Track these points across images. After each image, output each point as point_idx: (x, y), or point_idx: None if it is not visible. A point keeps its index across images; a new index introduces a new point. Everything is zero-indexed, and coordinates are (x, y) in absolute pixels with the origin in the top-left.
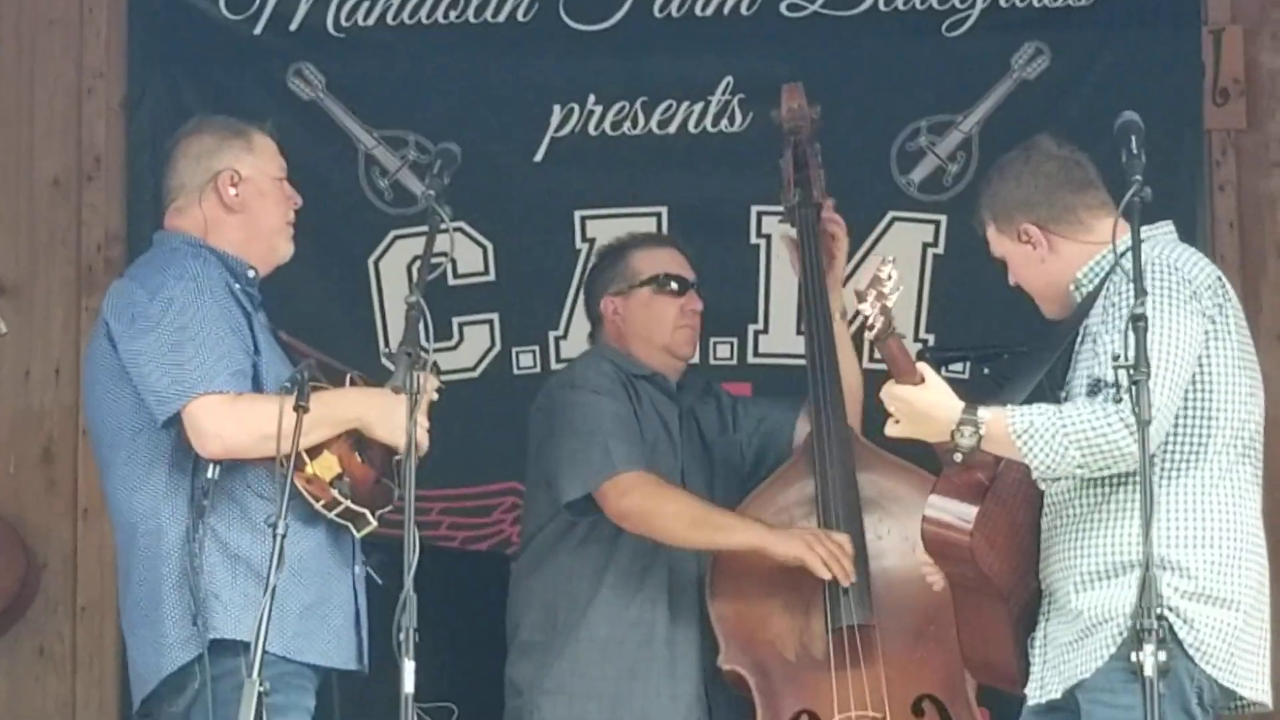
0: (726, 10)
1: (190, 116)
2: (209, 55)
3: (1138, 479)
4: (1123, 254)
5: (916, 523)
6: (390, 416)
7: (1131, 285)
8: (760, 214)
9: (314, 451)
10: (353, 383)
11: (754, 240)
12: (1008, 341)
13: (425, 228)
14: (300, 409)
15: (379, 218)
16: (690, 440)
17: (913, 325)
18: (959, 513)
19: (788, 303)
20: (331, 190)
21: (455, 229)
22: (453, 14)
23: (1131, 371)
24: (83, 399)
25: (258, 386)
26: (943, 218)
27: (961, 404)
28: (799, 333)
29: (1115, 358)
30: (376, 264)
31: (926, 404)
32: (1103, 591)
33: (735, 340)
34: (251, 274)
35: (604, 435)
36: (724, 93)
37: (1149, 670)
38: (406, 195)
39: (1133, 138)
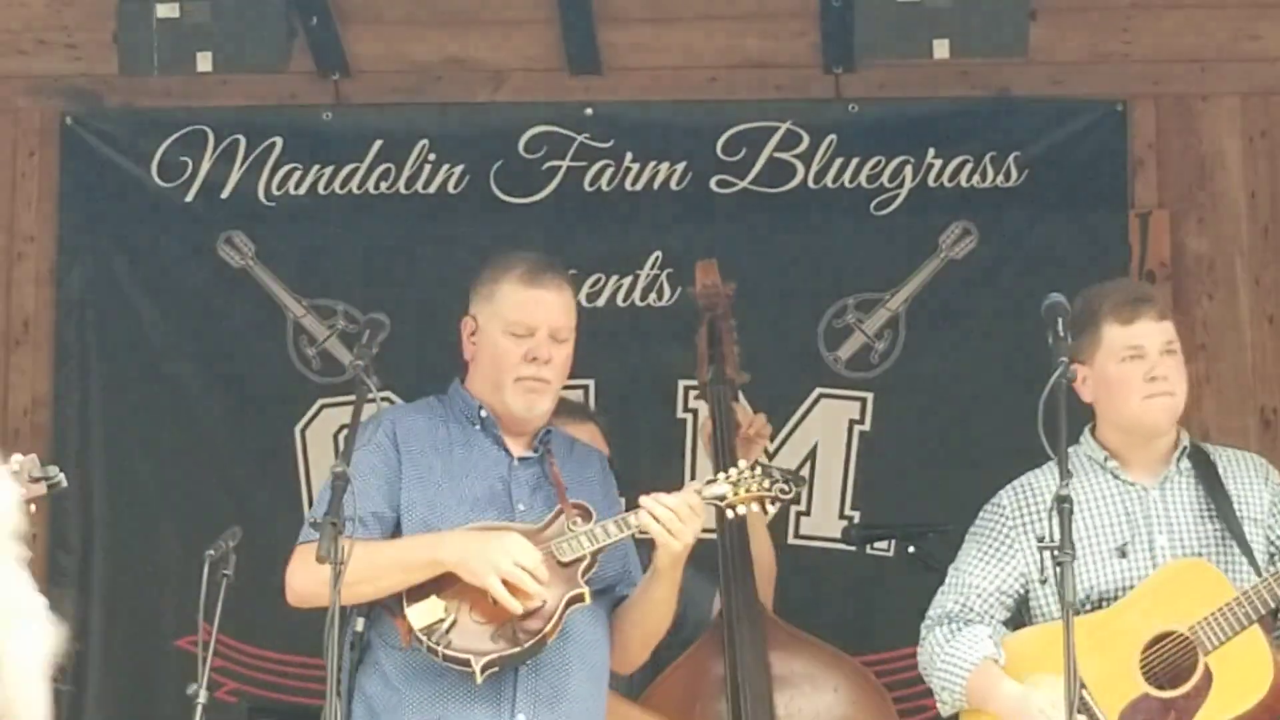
0: (656, 185)
1: (119, 283)
2: (140, 222)
3: None
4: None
5: (827, 699)
6: (477, 558)
7: None
8: (687, 388)
9: (416, 594)
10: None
11: (680, 414)
12: (933, 520)
13: (353, 397)
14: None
15: (307, 386)
16: None
17: (838, 503)
18: None
19: None
20: (260, 358)
21: (382, 398)
22: (384, 185)
23: (1056, 553)
24: None
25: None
26: (869, 395)
27: None
28: None
29: (1040, 539)
30: (303, 432)
31: None
32: None
33: None
34: (484, 414)
35: None
36: (653, 267)
37: None
38: (334, 364)
39: (1059, 319)
